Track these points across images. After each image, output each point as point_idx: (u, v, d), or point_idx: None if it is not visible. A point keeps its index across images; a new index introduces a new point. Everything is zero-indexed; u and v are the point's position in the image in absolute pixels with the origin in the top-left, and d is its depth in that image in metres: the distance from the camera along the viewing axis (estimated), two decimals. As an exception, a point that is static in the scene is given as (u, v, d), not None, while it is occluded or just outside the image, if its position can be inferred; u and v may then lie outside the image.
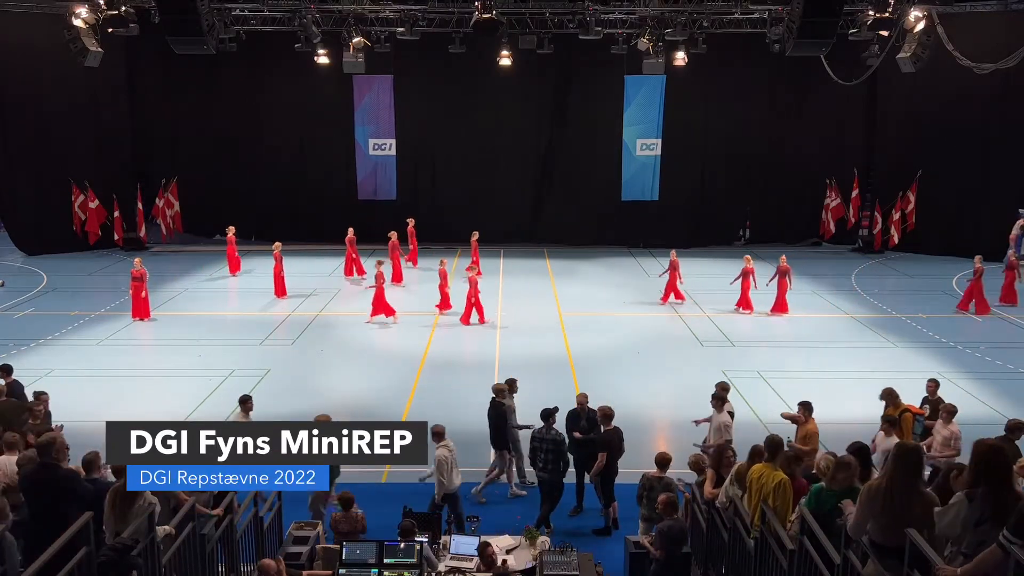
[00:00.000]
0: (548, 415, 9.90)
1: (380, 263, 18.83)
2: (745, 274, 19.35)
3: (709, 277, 22.22)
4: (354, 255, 23.02)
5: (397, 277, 22.16)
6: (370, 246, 23.93)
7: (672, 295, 20.32)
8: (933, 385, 11.04)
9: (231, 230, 23.76)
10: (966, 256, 24.82)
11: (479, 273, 19.10)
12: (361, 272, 22.93)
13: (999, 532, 4.55)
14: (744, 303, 19.52)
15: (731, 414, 10.43)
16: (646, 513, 8.97)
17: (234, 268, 23.41)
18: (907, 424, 9.95)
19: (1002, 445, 5.07)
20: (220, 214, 29.22)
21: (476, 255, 22.72)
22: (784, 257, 19.56)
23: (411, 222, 24.33)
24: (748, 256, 20.03)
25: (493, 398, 10.90)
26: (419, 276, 23.19)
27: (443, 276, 19.20)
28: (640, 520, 9.15)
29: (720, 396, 10.47)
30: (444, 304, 19.13)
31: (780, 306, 19.25)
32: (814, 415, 10.02)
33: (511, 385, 11.20)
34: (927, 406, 10.71)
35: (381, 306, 18.47)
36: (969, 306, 19.27)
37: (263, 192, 28.40)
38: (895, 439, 9.31)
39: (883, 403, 10.37)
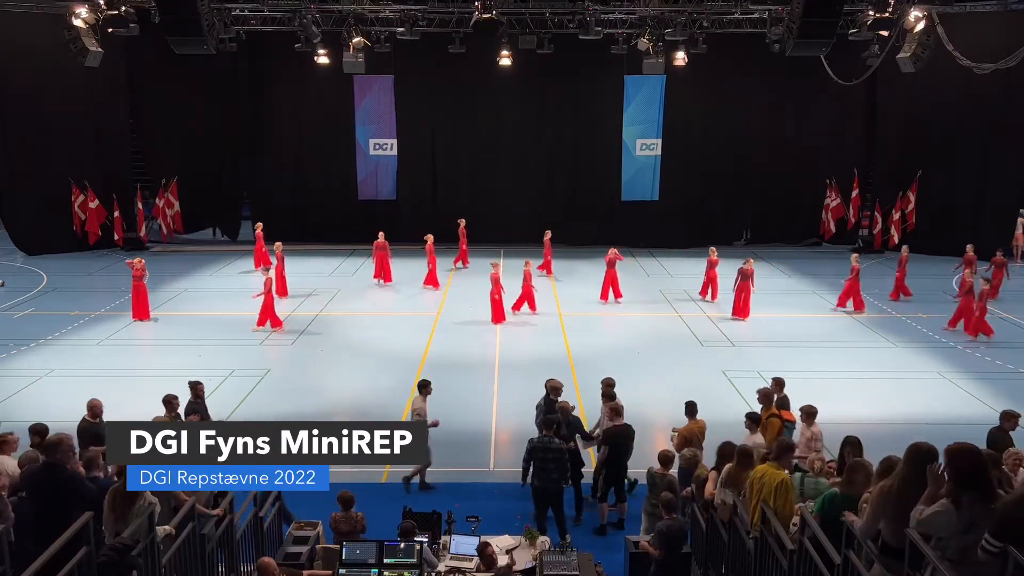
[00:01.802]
0: (551, 423, 9.77)
1: (266, 269, 18.43)
2: (710, 265, 20.40)
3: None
4: (383, 259, 22.54)
5: (431, 280, 21.97)
6: (371, 246, 23.86)
7: (612, 293, 20.54)
8: (776, 385, 10.99)
9: (259, 226, 23.96)
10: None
11: (542, 268, 19.48)
12: (388, 278, 22.49)
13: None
14: (705, 291, 20.69)
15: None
16: (650, 509, 9.02)
17: (261, 263, 23.24)
18: (773, 429, 9.90)
19: (974, 448, 4.96)
20: (220, 214, 29.32)
21: (548, 254, 22.69)
22: (751, 260, 19.49)
23: (462, 223, 24.22)
24: (713, 248, 20.78)
25: (547, 395, 10.87)
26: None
27: (527, 277, 19.19)
28: (643, 515, 9.17)
29: (606, 393, 10.60)
30: (521, 303, 19.17)
31: (740, 310, 18.98)
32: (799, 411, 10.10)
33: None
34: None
35: (268, 314, 17.78)
36: (847, 303, 19.61)
37: (263, 192, 28.44)
38: (760, 437, 9.46)
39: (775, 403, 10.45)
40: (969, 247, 20.70)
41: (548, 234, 23.24)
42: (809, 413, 9.85)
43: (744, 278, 18.84)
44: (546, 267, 23.34)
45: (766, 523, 6.79)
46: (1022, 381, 14.94)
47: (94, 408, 9.84)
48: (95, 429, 9.36)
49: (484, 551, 7.52)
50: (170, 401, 10.47)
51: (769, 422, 9.98)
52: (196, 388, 11.01)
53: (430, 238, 22.20)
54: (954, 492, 4.78)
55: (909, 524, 5.01)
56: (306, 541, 8.23)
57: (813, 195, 27.73)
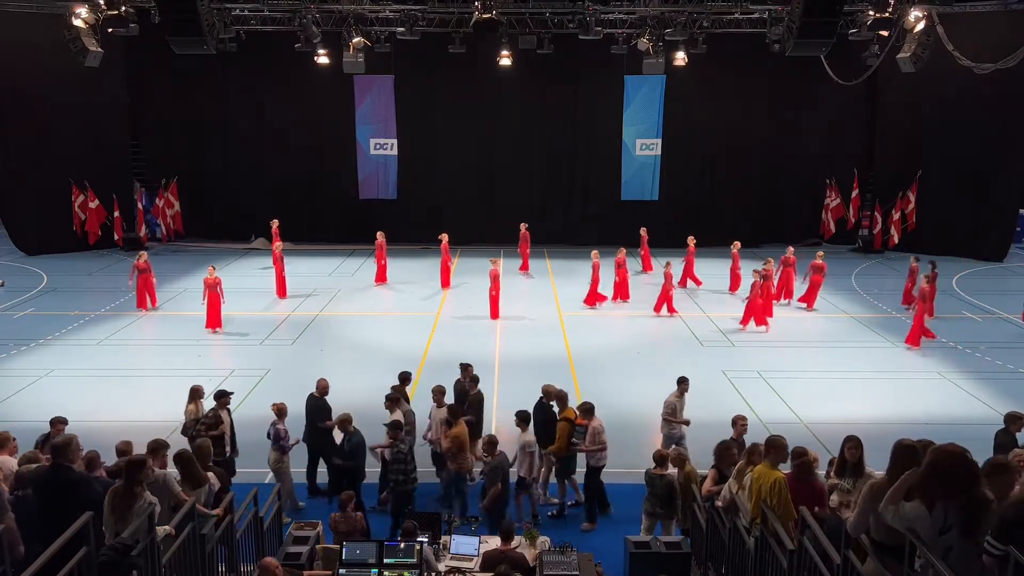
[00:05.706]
0: (399, 426, 9.99)
1: (213, 268, 18.28)
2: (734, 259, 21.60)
3: (708, 278, 22.28)
4: (383, 260, 22.52)
5: (445, 281, 21.96)
6: (370, 246, 23.84)
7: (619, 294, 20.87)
8: (466, 371, 11.63)
9: (275, 223, 23.87)
10: (966, 256, 24.90)
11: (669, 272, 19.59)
12: (383, 278, 22.48)
13: (967, 539, 4.54)
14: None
15: (406, 413, 10.86)
16: (650, 509, 9.02)
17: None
18: (562, 431, 10.16)
19: (961, 451, 4.84)
20: (220, 214, 29.28)
21: (647, 251, 22.78)
22: (821, 254, 20.43)
23: (524, 226, 24.04)
24: (737, 242, 21.93)
25: (541, 399, 10.85)
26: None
27: (668, 278, 19.29)
28: (643, 515, 9.17)
29: (406, 394, 11.17)
30: (661, 305, 19.36)
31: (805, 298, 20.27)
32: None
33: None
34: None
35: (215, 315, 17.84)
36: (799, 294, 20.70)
37: (264, 192, 28.39)
38: (531, 436, 10.06)
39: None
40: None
41: (644, 232, 23.29)
42: (586, 410, 10.24)
43: (815, 272, 19.90)
44: (644, 262, 23.87)
45: (766, 523, 6.79)
46: (1022, 381, 14.95)
47: (323, 388, 11.10)
48: (323, 404, 11.00)
49: (509, 528, 7.84)
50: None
51: (559, 426, 10.24)
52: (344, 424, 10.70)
53: (445, 237, 22.16)
54: (928, 494, 4.69)
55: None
56: (306, 541, 8.22)
57: (813, 195, 27.72)
